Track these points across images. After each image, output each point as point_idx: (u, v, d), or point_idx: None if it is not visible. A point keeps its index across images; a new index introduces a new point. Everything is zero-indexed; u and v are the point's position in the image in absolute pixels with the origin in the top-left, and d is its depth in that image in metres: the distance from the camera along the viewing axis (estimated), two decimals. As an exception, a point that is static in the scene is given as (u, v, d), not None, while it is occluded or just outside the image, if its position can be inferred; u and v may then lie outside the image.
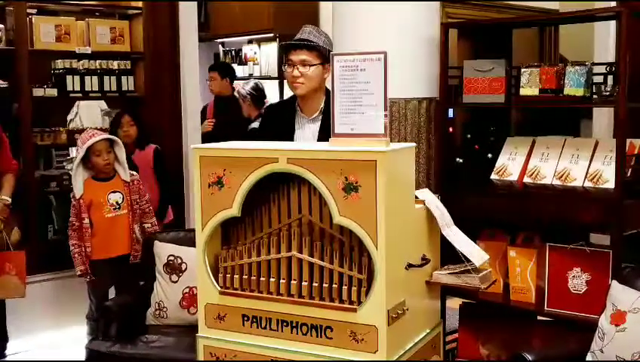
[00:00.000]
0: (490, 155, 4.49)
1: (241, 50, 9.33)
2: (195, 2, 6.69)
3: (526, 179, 4.21)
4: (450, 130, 4.67)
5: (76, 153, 4.87)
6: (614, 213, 3.73)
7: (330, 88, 3.13)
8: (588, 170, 4.01)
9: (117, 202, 4.91)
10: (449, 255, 3.33)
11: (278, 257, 3.00)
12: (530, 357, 3.30)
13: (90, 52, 6.11)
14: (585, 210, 3.83)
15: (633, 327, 3.24)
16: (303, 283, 2.95)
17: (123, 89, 6.29)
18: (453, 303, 4.55)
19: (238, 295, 3.08)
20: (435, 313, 3.41)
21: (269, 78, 8.89)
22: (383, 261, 2.77)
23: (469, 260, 3.23)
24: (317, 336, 2.94)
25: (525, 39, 8.22)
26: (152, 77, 6.33)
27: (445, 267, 3.31)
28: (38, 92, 5.85)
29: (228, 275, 3.11)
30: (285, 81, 4.43)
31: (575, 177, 4.04)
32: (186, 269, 4.40)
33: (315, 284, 2.94)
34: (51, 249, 5.54)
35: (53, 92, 5.97)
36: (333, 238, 2.92)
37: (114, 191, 4.92)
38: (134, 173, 5.09)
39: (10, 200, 4.84)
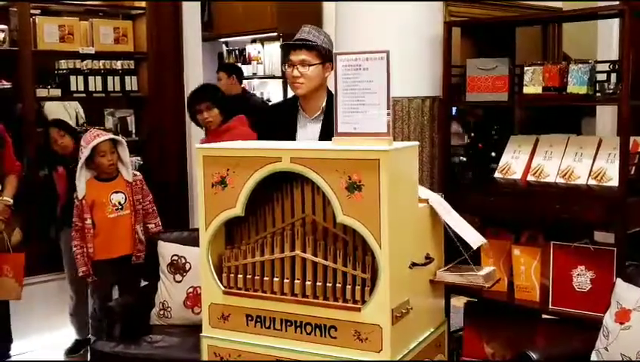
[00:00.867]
0: (493, 154, 4.49)
1: (244, 49, 9.35)
2: (199, 2, 6.70)
3: (529, 178, 4.21)
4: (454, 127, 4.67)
5: (80, 153, 4.86)
6: (618, 210, 3.73)
7: (332, 87, 3.12)
8: (591, 168, 4.01)
9: (119, 202, 4.91)
10: (452, 254, 3.33)
11: (281, 257, 3.00)
12: (534, 356, 3.30)
13: (93, 52, 6.12)
14: (589, 208, 3.83)
15: (638, 325, 3.24)
16: (307, 283, 2.95)
17: (127, 89, 6.29)
18: (458, 302, 4.56)
19: (242, 295, 3.08)
20: (440, 312, 3.41)
21: (273, 77, 8.92)
22: (386, 260, 2.77)
23: (467, 246, 3.21)
24: (321, 336, 2.94)
25: (528, 37, 8.20)
26: (155, 77, 6.33)
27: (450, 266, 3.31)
28: (41, 92, 5.86)
29: (232, 275, 3.11)
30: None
31: (579, 175, 4.04)
32: (189, 269, 4.40)
33: (318, 284, 2.93)
34: (54, 249, 5.53)
35: (57, 92, 5.97)
36: (336, 237, 2.92)
37: (116, 192, 4.92)
38: (137, 173, 5.09)
39: (11, 201, 4.85)
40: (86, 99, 6.27)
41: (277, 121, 4.20)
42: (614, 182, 3.85)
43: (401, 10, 4.47)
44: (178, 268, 4.42)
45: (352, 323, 2.87)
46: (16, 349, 5.27)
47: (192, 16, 6.51)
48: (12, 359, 5.21)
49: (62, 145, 5.35)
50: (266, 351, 3.04)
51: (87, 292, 5.20)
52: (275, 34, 8.44)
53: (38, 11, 5.96)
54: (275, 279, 3.01)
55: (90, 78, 6.11)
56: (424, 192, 3.27)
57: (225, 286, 3.12)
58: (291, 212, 2.99)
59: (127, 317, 4.37)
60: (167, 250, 4.50)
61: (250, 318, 3.07)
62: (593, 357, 3.37)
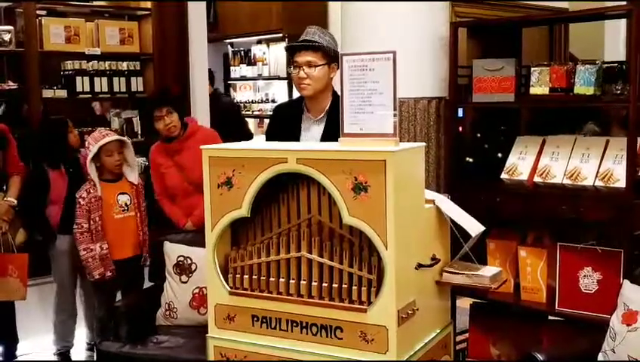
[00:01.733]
0: (500, 155, 4.48)
1: (250, 50, 9.35)
2: (204, 2, 6.70)
3: (536, 179, 4.20)
4: (460, 129, 4.65)
5: (87, 151, 4.84)
6: (625, 212, 3.72)
7: (338, 88, 3.12)
8: (599, 169, 3.99)
9: (126, 203, 4.91)
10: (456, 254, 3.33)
11: (287, 257, 3.00)
12: (541, 357, 3.29)
13: (99, 53, 6.12)
14: (595, 209, 3.82)
15: (645, 327, 3.23)
16: (313, 284, 2.95)
17: (132, 90, 6.30)
18: (464, 303, 4.55)
19: (248, 295, 3.08)
20: (446, 313, 3.40)
21: (278, 78, 8.92)
22: (392, 261, 2.76)
23: (466, 234, 3.20)
24: (327, 337, 2.94)
25: (535, 38, 8.18)
26: (161, 77, 6.33)
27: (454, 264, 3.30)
28: (47, 93, 5.86)
29: (238, 275, 3.11)
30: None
31: (586, 176, 4.03)
32: (195, 270, 4.40)
33: (324, 284, 2.93)
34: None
35: (62, 93, 5.98)
36: (342, 238, 2.92)
37: (122, 193, 4.92)
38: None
39: (15, 201, 4.85)
40: (92, 100, 6.27)
41: (282, 122, 4.20)
42: (621, 184, 3.84)
43: (407, 10, 4.47)
44: (184, 268, 4.42)
45: (357, 324, 2.86)
46: (22, 349, 5.27)
47: (197, 17, 6.52)
48: (18, 359, 5.21)
49: (72, 140, 5.26)
50: (272, 351, 3.04)
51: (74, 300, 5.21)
52: (281, 35, 8.44)
53: (43, 12, 5.97)
54: (281, 280, 3.01)
55: (96, 79, 6.12)
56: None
57: (231, 287, 3.12)
58: (297, 213, 2.99)
59: (133, 318, 4.37)
60: (173, 251, 4.51)
61: (256, 319, 3.07)
62: (600, 358, 3.37)
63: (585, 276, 3.86)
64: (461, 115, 4.65)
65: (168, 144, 5.12)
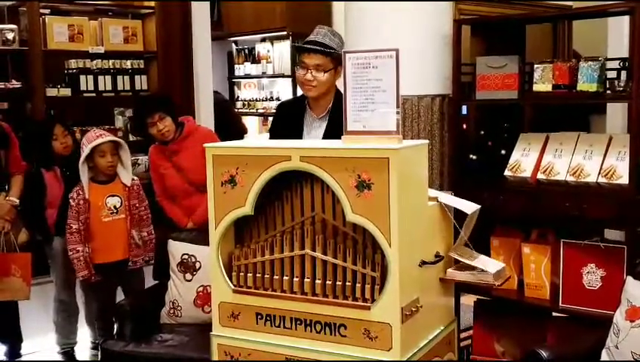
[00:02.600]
0: (503, 151, 4.48)
1: (254, 48, 9.35)
2: (208, 1, 6.70)
3: (539, 175, 4.20)
4: (464, 126, 4.66)
5: (81, 151, 4.81)
6: (628, 208, 3.72)
7: (341, 86, 3.12)
8: (602, 165, 4.00)
9: (115, 206, 4.84)
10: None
11: (291, 255, 3.00)
12: (545, 354, 3.29)
13: (103, 52, 6.12)
14: (599, 205, 3.82)
15: (648, 323, 3.23)
16: (317, 281, 2.96)
17: (136, 88, 6.29)
18: (468, 300, 4.55)
19: (252, 293, 3.09)
20: (449, 310, 3.41)
21: (282, 76, 8.91)
22: (396, 258, 2.77)
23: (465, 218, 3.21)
24: (331, 334, 2.94)
25: (538, 35, 8.18)
26: (165, 76, 6.33)
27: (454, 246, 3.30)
28: (51, 92, 5.86)
29: (241, 274, 3.11)
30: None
31: (589, 173, 4.03)
32: (199, 268, 4.40)
33: (328, 282, 2.94)
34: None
35: (66, 92, 5.98)
36: (346, 236, 2.92)
37: (112, 195, 4.85)
38: (135, 178, 5.02)
39: (17, 201, 4.84)
40: (96, 98, 6.27)
41: (285, 119, 4.20)
42: (624, 180, 3.84)
43: (411, 8, 4.47)
44: (188, 267, 4.42)
45: (361, 321, 2.87)
46: (27, 348, 5.28)
47: (201, 16, 6.51)
48: (22, 358, 5.22)
49: (63, 144, 5.14)
50: (276, 349, 3.04)
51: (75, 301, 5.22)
52: (285, 33, 8.44)
53: (47, 11, 5.96)
54: (285, 278, 3.02)
55: (100, 78, 6.11)
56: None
57: (235, 285, 3.12)
58: (301, 210, 3.00)
59: (137, 317, 4.37)
60: (177, 249, 4.51)
61: (260, 317, 3.08)
62: (604, 355, 3.37)
63: (588, 272, 3.86)
64: (465, 113, 4.66)
65: (165, 146, 5.08)
